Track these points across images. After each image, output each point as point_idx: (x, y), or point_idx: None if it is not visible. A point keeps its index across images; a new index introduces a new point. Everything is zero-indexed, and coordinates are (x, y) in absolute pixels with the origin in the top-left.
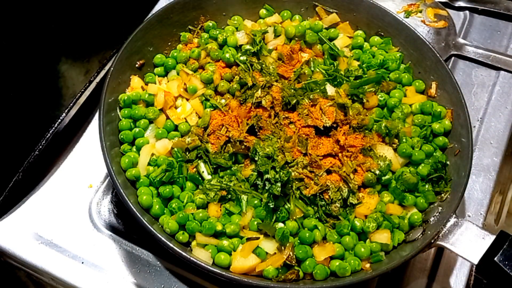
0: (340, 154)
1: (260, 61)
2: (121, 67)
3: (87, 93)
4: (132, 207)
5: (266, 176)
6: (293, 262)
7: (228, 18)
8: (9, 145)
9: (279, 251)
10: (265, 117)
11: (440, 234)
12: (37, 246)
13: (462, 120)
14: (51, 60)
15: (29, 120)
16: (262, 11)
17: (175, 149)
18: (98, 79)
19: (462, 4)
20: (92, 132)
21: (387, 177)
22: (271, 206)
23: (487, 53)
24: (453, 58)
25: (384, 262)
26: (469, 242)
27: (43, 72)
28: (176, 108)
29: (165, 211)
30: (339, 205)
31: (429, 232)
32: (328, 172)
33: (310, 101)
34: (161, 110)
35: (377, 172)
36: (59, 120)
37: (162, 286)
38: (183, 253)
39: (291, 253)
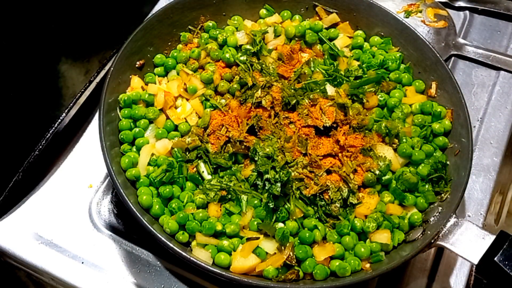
0: (340, 154)
1: (260, 61)
2: (121, 67)
3: (87, 93)
4: (132, 207)
5: (266, 176)
6: (293, 262)
7: (228, 18)
8: (9, 145)
9: (279, 251)
10: (265, 117)
11: (440, 234)
12: (37, 246)
13: (462, 120)
14: (51, 60)
15: (29, 120)
16: (262, 11)
17: (175, 149)
18: (98, 79)
19: (462, 4)
20: (92, 132)
21: (387, 177)
22: (271, 206)
23: (487, 53)
24: (453, 58)
25: (384, 262)
26: (469, 242)
27: (43, 72)
28: (176, 108)
29: (165, 211)
30: (339, 205)
31: (429, 232)
32: (328, 172)
33: (310, 101)
34: (161, 110)
35: (377, 172)
36: (59, 120)
37: (162, 286)
38: (183, 253)
39: (291, 253)
